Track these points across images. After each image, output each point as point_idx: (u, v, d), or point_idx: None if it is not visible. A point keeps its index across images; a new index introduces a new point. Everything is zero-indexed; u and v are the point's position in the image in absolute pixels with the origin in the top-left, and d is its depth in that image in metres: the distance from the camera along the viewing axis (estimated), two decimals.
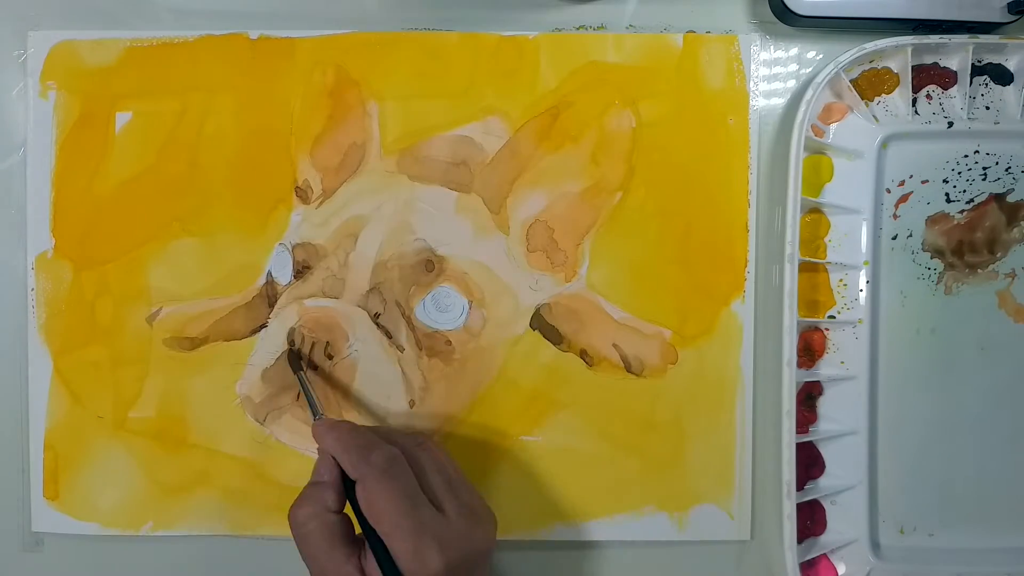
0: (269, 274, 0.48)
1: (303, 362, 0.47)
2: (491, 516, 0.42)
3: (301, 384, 0.45)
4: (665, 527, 0.48)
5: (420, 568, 0.37)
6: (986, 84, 0.48)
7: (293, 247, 0.48)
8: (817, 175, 0.48)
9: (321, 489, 0.40)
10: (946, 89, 0.47)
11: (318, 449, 0.42)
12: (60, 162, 0.48)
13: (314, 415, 0.43)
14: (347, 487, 0.40)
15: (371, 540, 0.38)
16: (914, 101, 0.47)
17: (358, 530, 0.40)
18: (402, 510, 0.38)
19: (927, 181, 0.48)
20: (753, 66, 0.48)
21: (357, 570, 0.38)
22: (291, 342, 0.48)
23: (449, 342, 0.48)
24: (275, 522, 0.48)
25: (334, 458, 0.40)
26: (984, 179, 0.48)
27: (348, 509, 0.40)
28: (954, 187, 0.48)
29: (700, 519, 0.48)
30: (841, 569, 0.47)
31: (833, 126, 0.48)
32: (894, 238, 0.48)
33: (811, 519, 0.47)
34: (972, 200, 0.48)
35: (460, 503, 0.40)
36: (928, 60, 0.47)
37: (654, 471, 0.48)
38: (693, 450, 0.48)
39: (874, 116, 0.47)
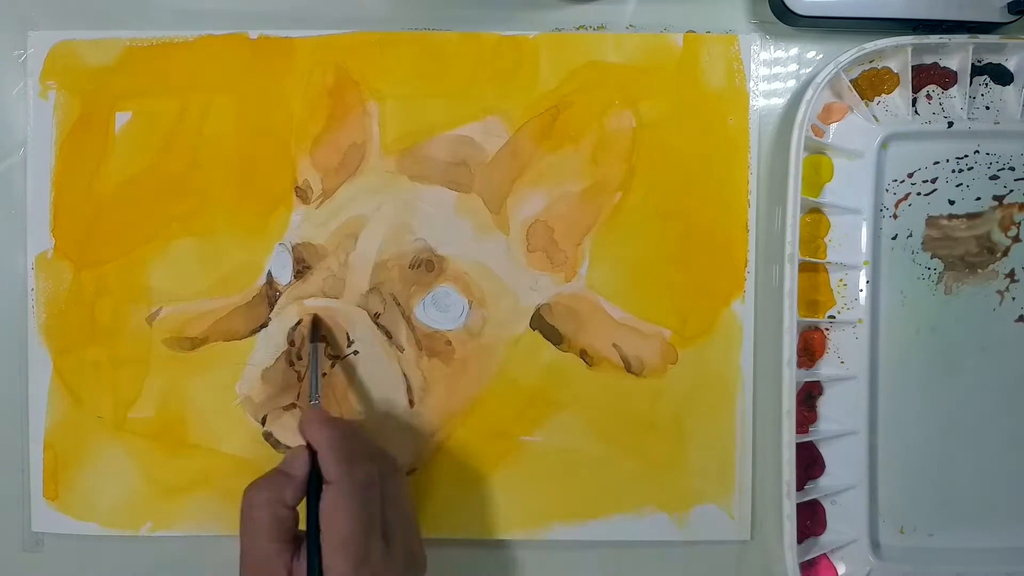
0: (269, 274, 0.48)
1: (324, 334, 0.47)
2: (425, 567, 0.42)
3: (311, 355, 0.45)
4: (665, 527, 0.48)
5: None
6: (986, 84, 0.48)
7: (293, 247, 0.48)
8: (817, 175, 0.48)
9: (284, 481, 0.40)
10: (946, 89, 0.47)
11: (304, 436, 0.41)
12: (60, 162, 0.48)
13: (310, 396, 0.43)
14: (312, 481, 0.40)
15: (311, 544, 0.38)
16: (914, 101, 0.47)
17: (302, 525, 0.40)
18: (356, 536, 0.38)
19: (927, 181, 0.48)
20: (753, 66, 0.48)
21: (285, 568, 0.38)
22: (315, 320, 0.47)
23: (449, 342, 0.48)
24: None
25: (312, 453, 0.40)
26: (984, 179, 0.48)
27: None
28: (954, 187, 0.48)
29: (700, 519, 0.48)
30: (841, 569, 0.47)
31: (833, 126, 0.48)
32: (894, 238, 0.48)
33: (811, 519, 0.47)
34: (972, 200, 0.48)
35: (405, 548, 0.40)
36: (928, 60, 0.47)
37: (654, 471, 0.48)
38: (693, 450, 0.48)
39: (874, 116, 0.47)
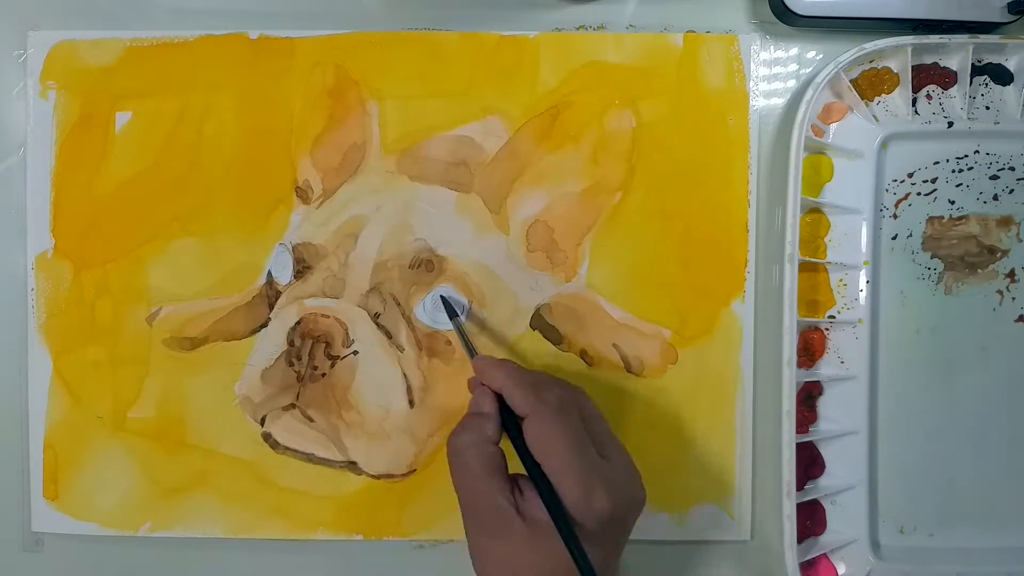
0: (269, 274, 0.48)
1: (457, 309, 0.47)
2: (641, 481, 0.41)
3: (458, 330, 0.45)
4: (665, 527, 0.48)
5: (587, 509, 0.36)
6: (986, 84, 0.48)
7: (293, 247, 0.48)
8: (817, 175, 0.48)
9: (481, 420, 0.39)
10: (946, 89, 0.47)
11: (473, 384, 0.41)
12: (60, 162, 0.48)
13: (471, 355, 0.43)
14: (506, 424, 0.39)
15: (535, 477, 0.37)
16: (914, 101, 0.47)
17: (511, 468, 0.39)
18: (573, 450, 0.37)
19: (927, 181, 0.48)
20: (753, 66, 0.48)
21: (511, 504, 0.37)
22: (444, 299, 0.47)
23: (449, 342, 0.48)
24: (274, 525, 0.48)
25: (496, 393, 0.40)
26: (984, 179, 0.48)
27: (505, 443, 0.40)
28: (954, 187, 0.48)
29: (700, 519, 0.48)
30: (841, 569, 0.47)
31: (833, 126, 0.48)
32: (894, 238, 0.48)
33: (811, 519, 0.47)
34: (972, 200, 0.48)
35: (619, 453, 0.40)
36: (928, 60, 0.47)
37: (654, 471, 0.48)
38: (693, 450, 0.48)
39: (874, 116, 0.47)
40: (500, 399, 0.40)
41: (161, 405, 0.48)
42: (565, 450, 0.37)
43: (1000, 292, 0.48)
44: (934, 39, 0.46)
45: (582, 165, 0.48)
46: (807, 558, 0.46)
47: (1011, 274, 0.48)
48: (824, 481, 0.48)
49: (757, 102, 0.48)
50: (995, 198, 0.48)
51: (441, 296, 0.47)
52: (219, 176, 0.48)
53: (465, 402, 0.48)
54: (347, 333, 0.48)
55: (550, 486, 0.37)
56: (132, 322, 0.48)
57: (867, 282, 0.47)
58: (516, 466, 0.39)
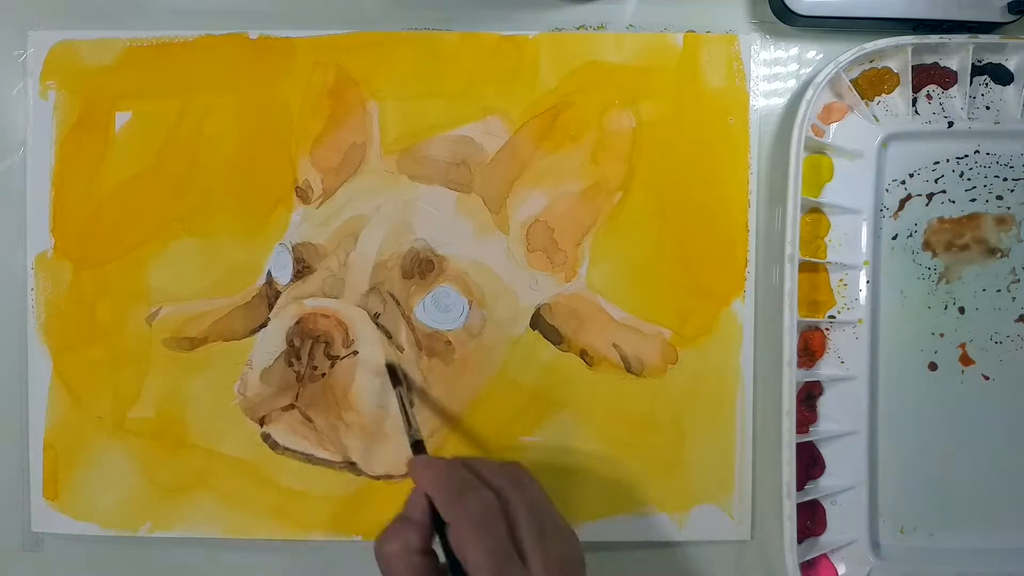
0: (269, 274, 0.48)
1: (400, 376, 0.46)
2: (581, 562, 0.41)
3: (399, 400, 0.45)
4: (665, 527, 0.48)
5: None
6: (986, 84, 0.48)
7: (293, 247, 0.48)
8: (817, 175, 0.48)
9: (408, 527, 0.39)
10: (946, 89, 0.47)
11: (413, 482, 0.41)
12: (60, 162, 0.48)
13: (410, 434, 0.43)
14: (438, 526, 0.39)
15: None
16: (914, 101, 0.47)
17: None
18: (490, 566, 0.37)
19: (927, 181, 0.48)
20: (753, 66, 0.48)
21: None
22: (390, 366, 0.47)
23: (449, 342, 0.48)
24: (273, 525, 0.48)
25: (427, 496, 0.39)
26: (984, 178, 0.48)
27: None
28: (954, 187, 0.48)
29: (700, 519, 0.48)
30: (841, 569, 0.47)
31: (833, 126, 0.48)
32: (894, 238, 0.48)
33: (811, 519, 0.47)
34: (972, 200, 0.48)
35: (548, 558, 0.39)
36: (928, 60, 0.47)
37: (654, 471, 0.48)
38: (693, 450, 0.48)
39: (874, 116, 0.47)
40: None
41: (161, 405, 0.48)
42: (484, 562, 0.37)
43: (1000, 292, 0.48)
44: (934, 39, 0.46)
45: (582, 165, 0.48)
46: (807, 558, 0.46)
47: (1011, 274, 0.48)
48: (824, 481, 0.48)
49: (757, 102, 0.48)
50: (996, 198, 0.48)
51: (387, 364, 0.47)
52: (219, 176, 0.48)
53: (464, 403, 0.48)
54: (347, 333, 0.48)
55: None
56: (132, 322, 0.48)
57: (867, 282, 0.47)
58: None
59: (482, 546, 0.37)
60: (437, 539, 0.39)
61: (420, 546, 0.39)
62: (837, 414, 0.48)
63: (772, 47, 0.48)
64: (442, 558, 0.39)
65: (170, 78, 0.48)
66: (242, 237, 0.48)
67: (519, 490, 0.40)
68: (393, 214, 0.48)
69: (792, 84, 0.48)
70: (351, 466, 0.48)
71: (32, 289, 0.48)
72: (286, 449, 0.48)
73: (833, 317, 0.48)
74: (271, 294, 0.48)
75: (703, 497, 0.48)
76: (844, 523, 0.47)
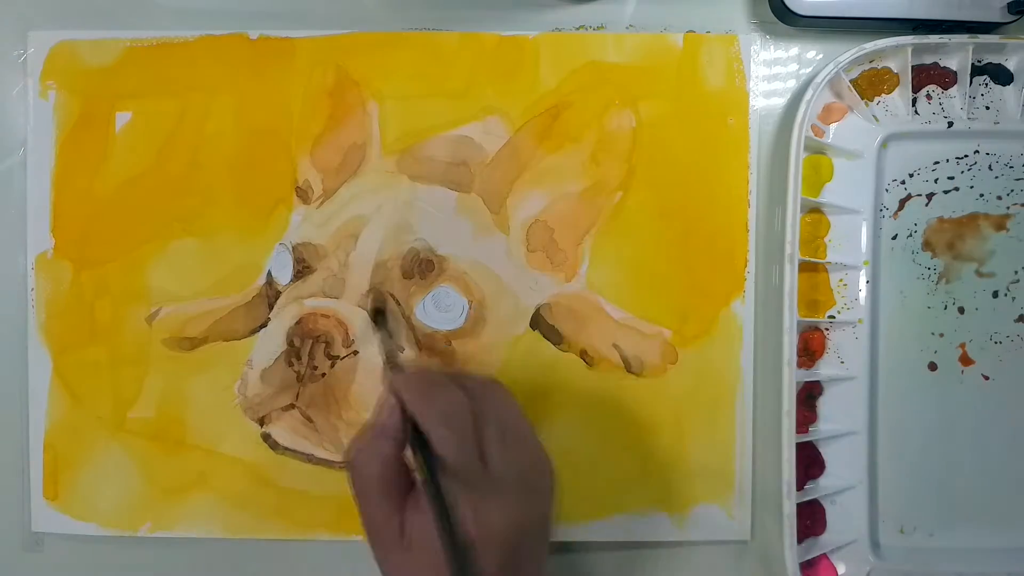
0: (269, 274, 0.48)
1: (383, 316, 0.47)
2: (544, 474, 0.40)
3: (381, 340, 0.45)
4: (665, 527, 0.48)
5: (473, 528, 0.36)
6: (986, 84, 0.48)
7: (293, 247, 0.48)
8: (817, 175, 0.48)
9: (380, 433, 0.38)
10: (946, 89, 0.47)
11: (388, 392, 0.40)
12: (60, 162, 0.48)
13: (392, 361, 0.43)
14: (413, 432, 0.39)
15: (428, 494, 0.37)
16: (914, 101, 0.47)
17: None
18: (454, 457, 0.37)
19: (927, 181, 0.48)
20: (753, 66, 0.48)
21: (398, 527, 0.37)
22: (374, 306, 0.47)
23: (449, 342, 0.48)
24: (273, 526, 0.48)
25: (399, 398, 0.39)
26: (984, 179, 0.48)
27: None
28: (954, 187, 0.48)
29: (700, 519, 0.48)
30: (841, 569, 0.47)
31: (833, 126, 0.48)
32: (894, 238, 0.48)
33: (811, 519, 0.47)
34: (972, 200, 0.48)
35: (507, 461, 0.38)
36: (928, 60, 0.47)
37: (654, 471, 0.48)
38: (693, 450, 0.48)
39: (874, 116, 0.47)
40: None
41: (161, 405, 0.48)
42: (448, 455, 0.37)
43: (1000, 292, 0.48)
44: (934, 39, 0.46)
45: (582, 165, 0.48)
46: (807, 558, 0.46)
47: (1011, 274, 0.48)
48: (824, 481, 0.48)
49: (757, 102, 0.48)
50: (996, 198, 0.48)
51: (375, 308, 0.47)
52: (219, 176, 0.48)
53: None
54: (347, 333, 0.48)
55: (441, 503, 0.36)
56: (132, 322, 0.48)
57: (867, 282, 0.47)
58: None
59: (446, 440, 0.37)
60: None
61: (392, 451, 0.38)
62: (837, 414, 0.48)
63: (772, 47, 0.48)
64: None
65: (170, 78, 0.48)
66: (242, 237, 0.48)
67: (490, 395, 0.40)
68: (393, 214, 0.48)
69: (792, 84, 0.48)
70: None
71: (32, 289, 0.48)
72: (286, 449, 0.48)
73: (833, 317, 0.48)
74: (271, 294, 0.48)
75: (703, 497, 0.48)
76: (844, 523, 0.47)
